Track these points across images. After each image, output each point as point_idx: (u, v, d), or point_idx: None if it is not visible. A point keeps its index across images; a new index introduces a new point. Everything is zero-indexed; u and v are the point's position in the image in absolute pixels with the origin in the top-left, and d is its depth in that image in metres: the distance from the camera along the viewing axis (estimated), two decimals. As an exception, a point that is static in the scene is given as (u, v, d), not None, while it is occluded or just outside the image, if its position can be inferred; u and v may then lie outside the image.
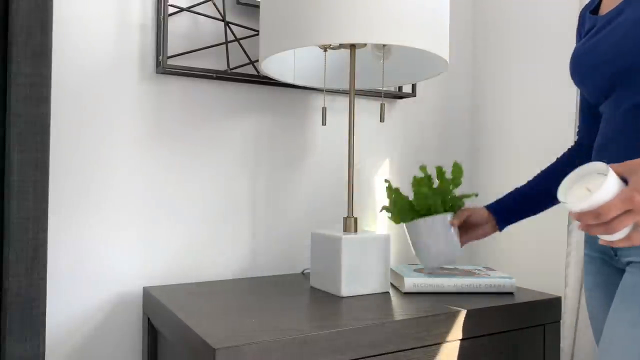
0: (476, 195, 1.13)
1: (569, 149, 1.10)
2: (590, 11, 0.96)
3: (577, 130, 1.10)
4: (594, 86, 0.88)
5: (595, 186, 0.69)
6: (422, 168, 1.17)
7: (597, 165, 0.72)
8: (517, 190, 1.12)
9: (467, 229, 1.14)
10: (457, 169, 1.13)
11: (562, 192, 0.74)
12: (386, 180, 1.18)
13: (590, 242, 0.95)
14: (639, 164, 0.68)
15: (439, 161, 1.67)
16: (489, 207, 1.13)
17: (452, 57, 1.70)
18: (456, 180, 1.13)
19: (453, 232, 1.09)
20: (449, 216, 1.11)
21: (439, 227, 1.11)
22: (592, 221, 0.68)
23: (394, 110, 1.59)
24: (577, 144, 1.09)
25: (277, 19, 1.08)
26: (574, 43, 1.38)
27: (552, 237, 1.47)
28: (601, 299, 0.92)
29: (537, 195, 1.09)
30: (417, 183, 1.14)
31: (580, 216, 0.69)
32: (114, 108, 1.20)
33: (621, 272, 0.90)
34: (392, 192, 1.17)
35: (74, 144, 1.16)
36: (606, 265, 0.92)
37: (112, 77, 1.20)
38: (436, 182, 1.65)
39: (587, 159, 1.06)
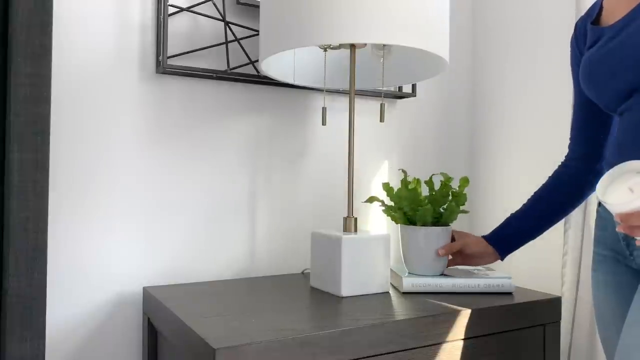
0: (467, 212, 1.17)
1: (560, 166, 1.11)
2: (591, 22, 0.96)
3: (570, 143, 1.10)
4: (611, 93, 0.88)
5: (637, 185, 0.68)
6: (429, 182, 1.19)
7: (636, 164, 0.70)
8: (514, 218, 1.13)
9: (464, 256, 1.16)
10: (464, 182, 1.17)
11: (601, 192, 0.72)
12: (403, 171, 1.19)
13: (602, 240, 0.95)
14: None
15: (438, 161, 1.67)
16: (489, 240, 1.14)
17: (452, 57, 1.70)
18: (460, 199, 1.16)
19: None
20: (447, 230, 1.14)
21: (435, 239, 1.14)
22: (639, 222, 0.67)
23: (394, 110, 1.59)
24: (570, 158, 1.09)
25: (277, 19, 1.08)
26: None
27: (549, 237, 1.47)
28: (611, 299, 0.92)
29: (535, 223, 1.11)
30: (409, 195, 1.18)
31: (625, 217, 0.68)
32: (114, 108, 1.20)
33: (635, 272, 0.90)
34: (407, 187, 1.17)
35: (74, 144, 1.16)
36: (618, 264, 0.92)
37: (112, 77, 1.20)
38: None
39: (580, 175, 1.07)
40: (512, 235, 1.13)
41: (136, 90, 1.22)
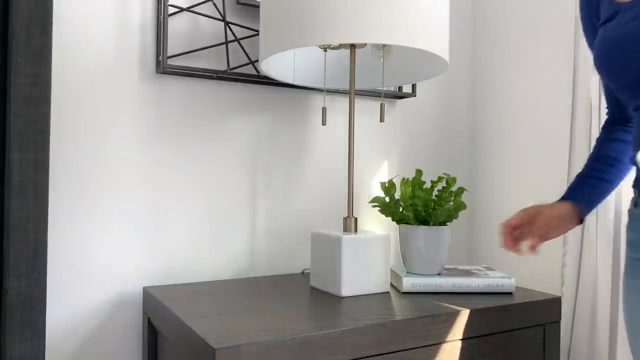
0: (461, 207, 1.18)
1: (605, 127, 1.02)
2: None
3: (607, 111, 1.03)
4: (625, 83, 0.82)
5: None
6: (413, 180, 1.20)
7: None
8: (590, 178, 0.99)
9: (535, 228, 0.98)
10: (451, 182, 1.19)
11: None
12: (419, 171, 1.20)
13: (638, 244, 0.85)
14: None
15: (438, 161, 1.67)
16: (571, 199, 0.99)
17: (452, 57, 1.70)
18: (459, 198, 1.17)
19: (445, 246, 1.17)
20: (446, 229, 1.15)
21: (434, 239, 1.15)
22: None
23: (394, 110, 1.59)
24: (611, 121, 1.02)
25: (277, 19, 1.08)
26: (574, 42, 1.38)
27: (552, 237, 1.47)
28: None
29: (612, 178, 0.98)
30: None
31: None
32: (114, 108, 1.20)
33: None
34: (422, 187, 1.17)
35: (74, 144, 1.16)
36: None
37: (112, 77, 1.20)
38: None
39: (615, 133, 1.00)
40: (595, 195, 0.98)
41: (136, 90, 1.22)
